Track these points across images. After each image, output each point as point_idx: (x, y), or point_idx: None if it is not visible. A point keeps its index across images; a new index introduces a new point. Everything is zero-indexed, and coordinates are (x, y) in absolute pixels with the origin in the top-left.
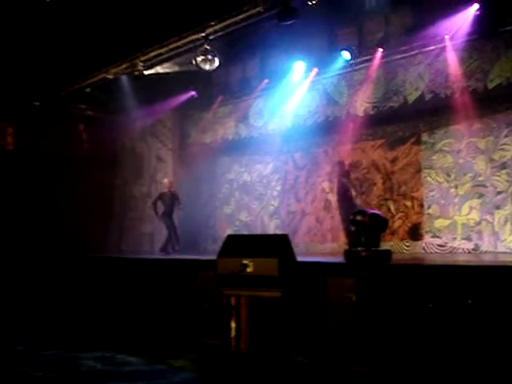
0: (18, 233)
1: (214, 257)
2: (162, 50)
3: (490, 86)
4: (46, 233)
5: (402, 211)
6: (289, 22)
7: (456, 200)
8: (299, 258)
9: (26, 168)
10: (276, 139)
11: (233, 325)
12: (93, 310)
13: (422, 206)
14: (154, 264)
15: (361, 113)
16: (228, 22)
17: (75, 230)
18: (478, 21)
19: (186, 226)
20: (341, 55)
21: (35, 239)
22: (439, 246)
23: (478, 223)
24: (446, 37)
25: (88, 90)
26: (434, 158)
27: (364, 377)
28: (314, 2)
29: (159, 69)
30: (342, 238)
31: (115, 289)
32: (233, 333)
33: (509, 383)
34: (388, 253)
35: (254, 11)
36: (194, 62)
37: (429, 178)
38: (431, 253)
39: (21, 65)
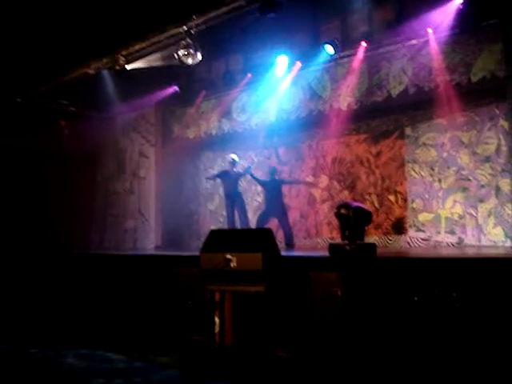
0: None
1: (197, 253)
2: (143, 44)
3: (474, 79)
4: (28, 230)
5: (385, 205)
6: (271, 16)
7: (440, 194)
8: (283, 253)
9: (7, 165)
10: (259, 134)
11: (217, 320)
12: (75, 307)
13: (405, 200)
14: (136, 260)
15: (344, 107)
16: (210, 15)
17: (57, 227)
18: (461, 15)
19: (169, 223)
20: (324, 49)
21: (16, 237)
22: (423, 239)
23: (462, 217)
24: (430, 30)
25: None
26: (417, 151)
27: (350, 372)
28: None
29: (141, 63)
30: (326, 233)
31: (98, 286)
32: (217, 328)
33: (494, 374)
34: (373, 246)
35: (236, 5)
36: (176, 56)
37: (412, 172)
38: (415, 247)
39: (0, 60)
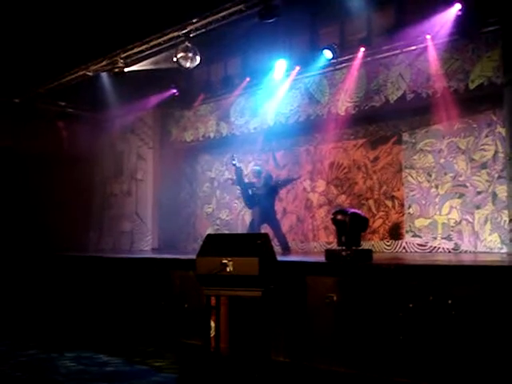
0: None
1: (194, 256)
2: (142, 47)
3: (471, 86)
4: (25, 232)
5: (382, 211)
6: (270, 20)
7: (436, 200)
8: (279, 258)
9: (4, 166)
10: (257, 138)
11: (212, 324)
12: (71, 310)
13: (402, 205)
14: (132, 263)
15: (342, 112)
16: (209, 19)
17: (54, 229)
18: (460, 21)
19: (165, 225)
20: (322, 54)
21: (13, 238)
22: (420, 245)
23: (459, 223)
24: (428, 37)
25: None
26: (414, 157)
27: (345, 377)
28: None
29: (140, 66)
30: (323, 237)
31: (94, 288)
32: (212, 332)
33: (488, 381)
34: (369, 252)
35: (235, 9)
36: (175, 59)
37: (409, 178)
38: (412, 252)
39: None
